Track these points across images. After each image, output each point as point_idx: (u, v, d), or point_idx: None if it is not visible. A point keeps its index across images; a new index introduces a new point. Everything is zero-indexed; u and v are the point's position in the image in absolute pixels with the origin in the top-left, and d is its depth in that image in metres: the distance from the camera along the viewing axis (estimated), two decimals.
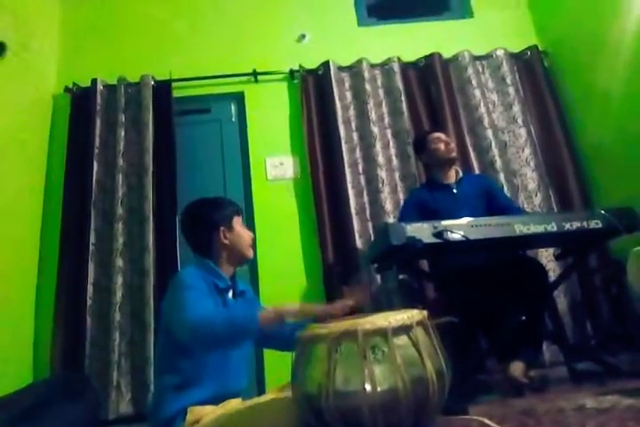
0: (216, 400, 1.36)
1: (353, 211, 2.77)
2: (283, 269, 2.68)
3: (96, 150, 2.78)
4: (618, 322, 2.51)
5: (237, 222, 1.59)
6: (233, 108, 3.13)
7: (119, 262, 2.57)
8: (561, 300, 2.60)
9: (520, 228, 1.84)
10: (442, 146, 2.40)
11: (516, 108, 3.03)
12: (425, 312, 1.23)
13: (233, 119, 3.11)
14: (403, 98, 3.02)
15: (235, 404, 1.37)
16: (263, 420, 1.27)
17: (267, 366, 2.48)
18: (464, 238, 1.78)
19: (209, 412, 1.32)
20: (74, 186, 2.72)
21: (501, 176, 2.82)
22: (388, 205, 2.80)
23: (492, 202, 2.37)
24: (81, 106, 2.90)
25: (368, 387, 1.07)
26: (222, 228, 1.55)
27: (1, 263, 2.27)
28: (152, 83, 2.95)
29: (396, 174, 2.92)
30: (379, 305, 2.53)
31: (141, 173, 2.75)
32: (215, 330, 1.24)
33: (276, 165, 2.92)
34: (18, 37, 2.64)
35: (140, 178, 2.75)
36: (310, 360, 1.18)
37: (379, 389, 1.07)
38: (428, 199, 2.38)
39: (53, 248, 2.60)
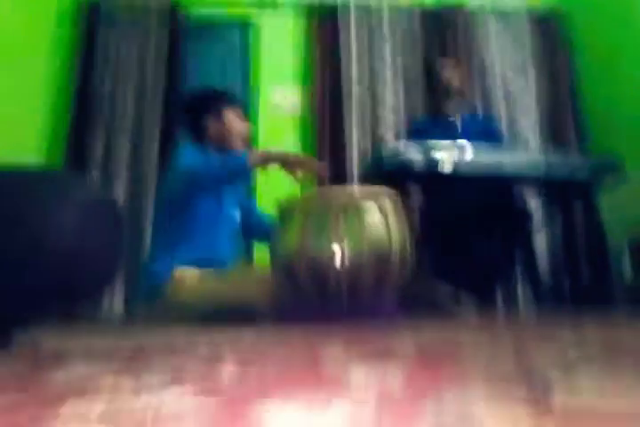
0: (202, 262, 1.46)
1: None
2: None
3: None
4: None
5: (228, 113, 1.64)
6: (239, 36, 3.01)
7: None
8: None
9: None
10: None
11: None
12: (396, 193, 1.32)
13: (238, 48, 3.00)
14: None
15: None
16: (243, 284, 1.39)
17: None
18: None
19: (192, 275, 1.43)
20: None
21: None
22: None
23: None
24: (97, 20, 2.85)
25: (336, 249, 1.16)
26: (210, 117, 1.64)
27: None
28: None
29: None
30: None
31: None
32: (210, 169, 1.41)
33: (281, 96, 2.90)
34: None
35: None
36: (286, 228, 1.26)
37: (346, 251, 1.16)
38: None
39: None
